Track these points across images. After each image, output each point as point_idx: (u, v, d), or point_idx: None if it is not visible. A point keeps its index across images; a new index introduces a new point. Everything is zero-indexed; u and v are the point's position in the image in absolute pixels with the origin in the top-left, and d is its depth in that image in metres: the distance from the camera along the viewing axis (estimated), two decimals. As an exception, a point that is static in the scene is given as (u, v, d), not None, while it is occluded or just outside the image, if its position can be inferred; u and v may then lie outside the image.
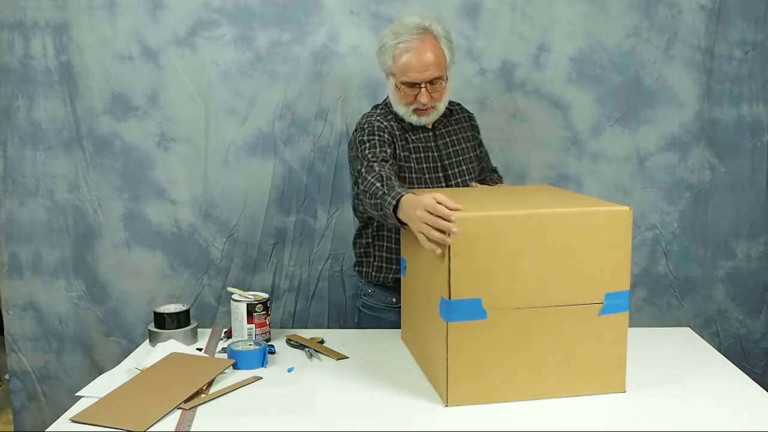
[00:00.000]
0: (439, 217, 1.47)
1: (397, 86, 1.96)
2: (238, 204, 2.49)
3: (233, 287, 2.08)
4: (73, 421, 1.46)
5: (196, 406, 1.53)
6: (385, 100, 2.08)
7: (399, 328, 1.97)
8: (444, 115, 2.08)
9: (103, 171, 2.47)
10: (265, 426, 1.45)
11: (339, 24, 2.40)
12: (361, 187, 1.78)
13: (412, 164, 2.01)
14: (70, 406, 1.54)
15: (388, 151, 1.92)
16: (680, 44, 2.42)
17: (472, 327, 1.51)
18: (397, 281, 1.97)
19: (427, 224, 1.49)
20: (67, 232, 2.53)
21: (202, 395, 1.58)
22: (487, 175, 2.24)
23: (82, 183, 2.49)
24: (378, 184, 1.72)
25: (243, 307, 1.91)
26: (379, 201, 1.68)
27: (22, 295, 2.55)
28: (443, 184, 2.04)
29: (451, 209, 1.47)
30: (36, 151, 2.48)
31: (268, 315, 1.94)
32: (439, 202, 1.48)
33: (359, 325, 2.18)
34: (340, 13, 2.40)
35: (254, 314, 1.91)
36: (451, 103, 2.13)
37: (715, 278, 2.55)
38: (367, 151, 1.89)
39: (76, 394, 1.61)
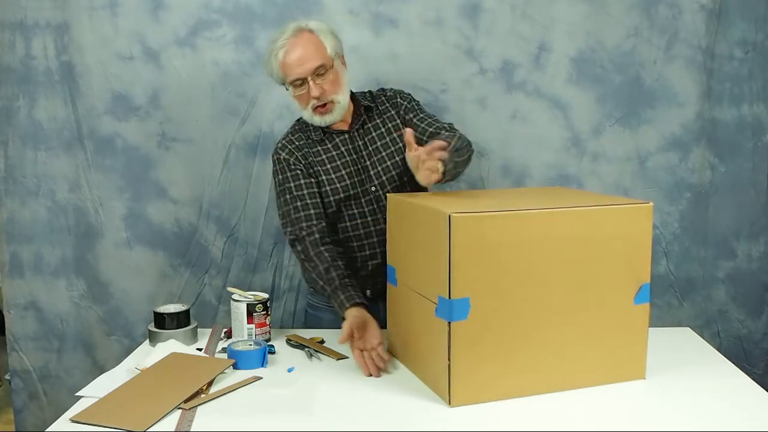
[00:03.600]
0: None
1: (290, 92, 1.97)
2: (239, 204, 2.49)
3: (233, 287, 2.08)
4: (73, 421, 1.46)
5: (196, 406, 1.53)
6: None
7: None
8: (362, 112, 2.04)
9: (104, 171, 2.48)
10: (265, 426, 1.45)
11: (339, 24, 2.40)
12: (307, 267, 1.93)
13: (332, 174, 2.00)
14: (72, 405, 1.54)
15: (304, 182, 1.98)
16: (680, 44, 2.42)
17: (476, 325, 1.50)
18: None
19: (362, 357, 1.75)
20: (68, 231, 2.53)
21: (202, 395, 1.58)
22: (438, 136, 1.91)
23: (83, 183, 2.49)
24: (321, 282, 1.89)
25: (243, 307, 1.91)
26: (328, 294, 1.89)
27: (24, 295, 2.56)
28: (366, 187, 2.00)
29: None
30: (37, 151, 2.49)
31: (268, 315, 1.94)
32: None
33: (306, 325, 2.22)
34: (340, 13, 2.41)
35: (254, 314, 1.91)
36: (373, 94, 2.10)
37: (715, 278, 2.55)
38: (290, 203, 1.97)
39: (76, 394, 1.61)
